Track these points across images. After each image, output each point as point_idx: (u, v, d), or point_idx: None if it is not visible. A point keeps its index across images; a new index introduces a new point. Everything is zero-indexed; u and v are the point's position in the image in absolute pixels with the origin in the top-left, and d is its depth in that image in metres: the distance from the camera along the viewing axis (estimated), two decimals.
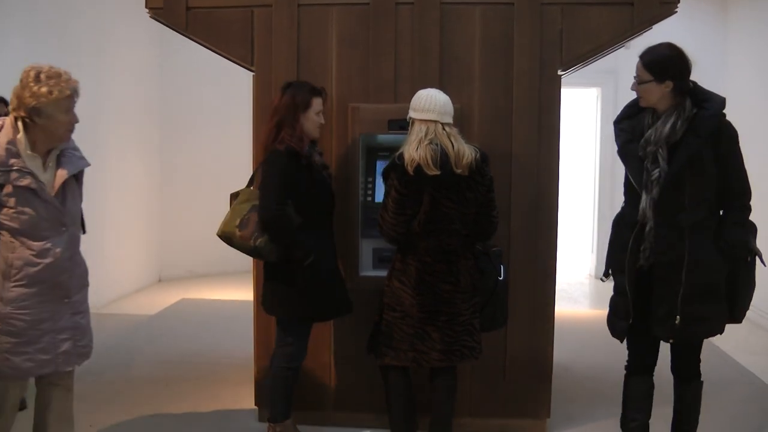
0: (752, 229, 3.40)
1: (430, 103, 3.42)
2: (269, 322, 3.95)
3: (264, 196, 3.55)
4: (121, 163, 8.19)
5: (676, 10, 3.99)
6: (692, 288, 3.23)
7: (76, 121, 3.06)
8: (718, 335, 3.49)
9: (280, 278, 3.69)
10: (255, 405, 4.34)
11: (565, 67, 4.02)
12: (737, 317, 3.41)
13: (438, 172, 3.32)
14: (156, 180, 8.98)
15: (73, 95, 3.03)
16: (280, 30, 4.10)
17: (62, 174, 3.07)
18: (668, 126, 3.20)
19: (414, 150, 3.35)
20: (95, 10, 7.58)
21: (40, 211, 2.98)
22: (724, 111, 3.26)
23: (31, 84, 2.93)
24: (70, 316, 3.15)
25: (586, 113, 9.84)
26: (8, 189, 2.91)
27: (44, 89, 2.93)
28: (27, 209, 2.95)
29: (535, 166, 4.04)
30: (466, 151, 3.39)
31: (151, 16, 4.26)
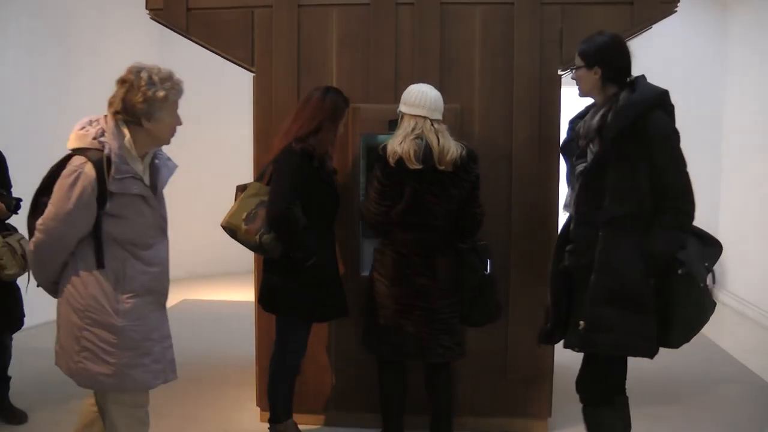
0: (682, 241, 2.93)
1: (421, 98, 3.46)
2: (270, 322, 3.95)
3: (275, 194, 3.54)
4: None
5: (676, 9, 3.99)
6: (600, 291, 2.94)
7: (180, 123, 2.90)
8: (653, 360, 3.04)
9: (280, 276, 3.70)
10: (257, 405, 4.34)
11: (565, 67, 4.02)
12: (671, 341, 2.98)
13: (419, 167, 3.38)
14: None
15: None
16: (281, 31, 4.10)
17: (164, 178, 2.96)
18: (597, 118, 3.01)
19: (398, 143, 3.41)
20: (96, 11, 7.59)
21: (147, 218, 2.84)
22: (658, 106, 2.94)
23: (144, 87, 2.74)
24: (168, 323, 3.06)
25: None
26: (122, 197, 2.73)
27: (161, 93, 2.76)
28: (137, 217, 2.80)
29: (535, 165, 4.04)
30: (451, 148, 3.42)
31: (151, 17, 4.27)
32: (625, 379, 3.16)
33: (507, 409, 4.17)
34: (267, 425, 3.94)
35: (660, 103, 2.95)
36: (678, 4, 3.99)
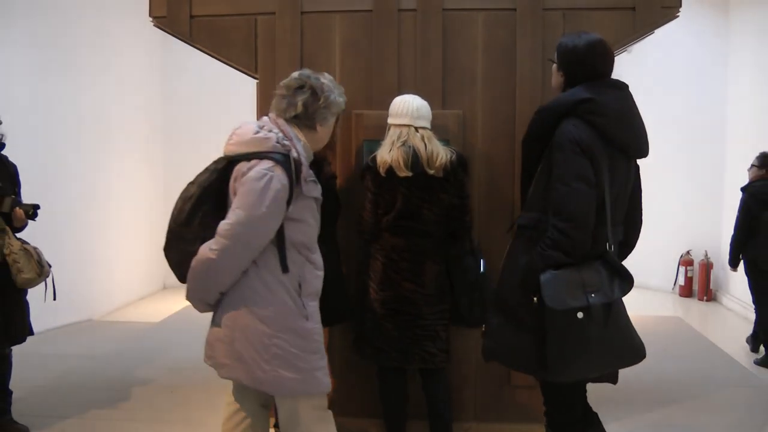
0: (550, 260, 2.65)
1: (403, 107, 3.52)
2: None
3: None
4: (126, 173, 8.23)
5: (678, 14, 4.00)
6: (492, 297, 2.91)
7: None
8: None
9: None
10: None
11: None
12: (549, 368, 2.71)
13: (409, 174, 3.42)
14: (160, 188, 9.00)
15: None
16: (283, 37, 4.11)
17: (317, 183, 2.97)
18: None
19: (387, 152, 3.45)
20: (98, 18, 7.62)
21: (317, 222, 2.91)
22: (571, 114, 2.72)
23: (326, 93, 2.85)
24: None
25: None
26: (303, 200, 2.77)
27: (341, 99, 2.93)
28: (312, 221, 2.85)
29: None
30: (440, 153, 3.46)
31: (155, 25, 4.28)
32: (571, 413, 3.01)
33: (511, 414, 4.16)
34: (273, 429, 3.94)
35: (572, 111, 2.72)
36: (680, 10, 4.00)
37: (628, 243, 3.02)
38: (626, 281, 2.72)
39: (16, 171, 4.34)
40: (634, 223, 3.00)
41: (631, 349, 2.82)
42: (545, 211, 2.71)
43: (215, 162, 2.80)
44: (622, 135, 2.71)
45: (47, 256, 4.30)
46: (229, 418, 3.02)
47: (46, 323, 5.57)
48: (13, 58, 6.34)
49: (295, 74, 2.91)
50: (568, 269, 2.63)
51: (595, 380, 2.94)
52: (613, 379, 2.98)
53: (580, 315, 2.60)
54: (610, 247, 2.72)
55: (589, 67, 2.83)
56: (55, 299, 4.29)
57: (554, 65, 2.94)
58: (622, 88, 2.83)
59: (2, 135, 4.23)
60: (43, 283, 4.21)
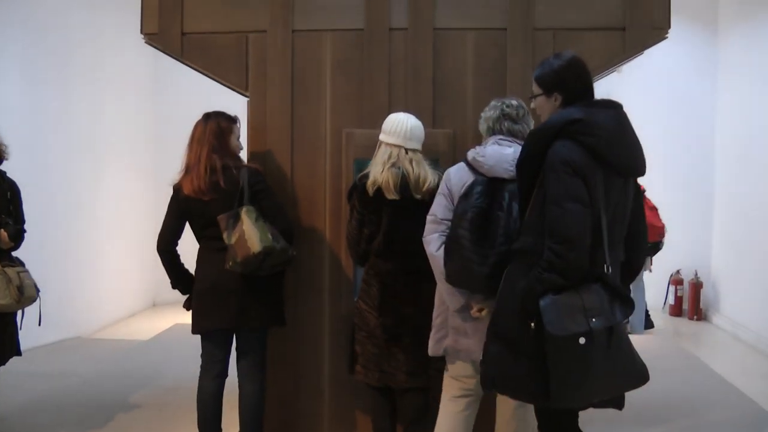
0: (547, 284, 2.58)
1: (397, 127, 3.52)
2: (272, 340, 3.98)
3: (282, 209, 3.81)
4: (115, 188, 8.21)
5: (667, 35, 4.03)
6: (489, 324, 2.84)
7: None
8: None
9: (275, 288, 3.81)
10: None
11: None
12: (552, 395, 2.61)
13: (397, 197, 3.43)
14: (151, 204, 8.96)
15: None
16: (275, 55, 4.12)
17: None
18: None
19: (379, 173, 3.45)
20: (91, 35, 7.63)
21: None
22: (561, 134, 2.67)
23: None
24: None
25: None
26: None
27: None
28: None
29: None
30: (428, 177, 3.47)
31: (146, 42, 4.28)
32: None
33: None
34: None
35: (562, 131, 2.66)
36: (669, 30, 4.03)
37: (631, 264, 2.95)
38: (627, 304, 2.66)
39: (14, 189, 4.32)
40: (636, 244, 2.94)
41: (634, 372, 2.78)
42: (541, 234, 2.67)
43: None
44: (614, 154, 2.69)
45: (34, 271, 4.27)
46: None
47: (33, 341, 5.52)
48: (3, 71, 6.33)
49: None
50: (568, 293, 2.57)
51: (598, 405, 2.89)
52: (619, 405, 2.92)
53: (582, 340, 2.53)
54: (608, 269, 2.69)
55: (586, 79, 2.83)
56: (39, 324, 4.27)
57: (540, 98, 2.89)
58: (614, 107, 2.80)
59: (5, 147, 4.21)
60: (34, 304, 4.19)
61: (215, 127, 3.70)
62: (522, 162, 2.78)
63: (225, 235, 3.55)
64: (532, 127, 3.33)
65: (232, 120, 3.81)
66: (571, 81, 2.81)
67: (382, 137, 3.57)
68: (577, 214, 2.57)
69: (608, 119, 2.71)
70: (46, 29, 6.87)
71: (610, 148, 2.66)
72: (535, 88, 2.90)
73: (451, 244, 3.12)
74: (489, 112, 3.34)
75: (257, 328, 3.81)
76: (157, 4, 4.19)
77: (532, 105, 2.96)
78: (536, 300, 2.57)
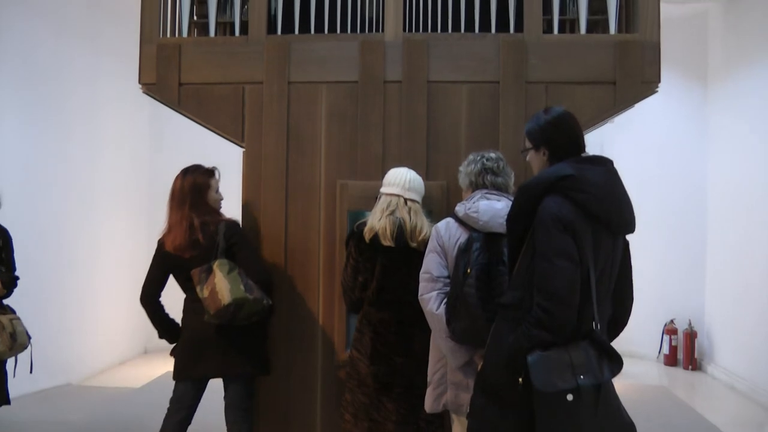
0: (535, 340, 2.55)
1: (396, 178, 3.59)
2: (268, 389, 4.01)
3: (259, 260, 3.87)
4: (108, 234, 8.20)
5: (657, 89, 4.10)
6: (477, 377, 2.84)
7: None
8: None
9: (256, 337, 3.83)
10: None
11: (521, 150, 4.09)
12: None
13: (392, 244, 3.47)
14: (143, 250, 8.94)
15: None
16: (270, 106, 4.17)
17: None
18: None
19: (377, 220, 3.51)
20: (89, 84, 7.70)
21: None
22: (551, 190, 2.66)
23: None
24: None
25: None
26: None
27: None
28: None
29: None
30: (424, 227, 3.51)
31: (144, 92, 4.33)
32: None
33: None
34: None
35: (552, 187, 2.66)
36: (659, 84, 4.10)
37: (618, 320, 2.95)
38: (615, 362, 2.64)
39: (6, 236, 4.33)
40: (624, 300, 2.93)
41: (622, 429, 2.77)
42: (529, 289, 2.66)
43: None
44: (605, 211, 2.69)
45: (25, 317, 4.25)
46: None
47: (23, 388, 5.46)
48: (4, 126, 6.37)
49: None
50: (556, 349, 2.56)
51: None
52: None
53: (569, 397, 2.51)
54: (596, 326, 2.68)
55: (574, 134, 2.83)
56: (31, 372, 4.24)
57: (530, 151, 2.91)
58: (605, 163, 2.81)
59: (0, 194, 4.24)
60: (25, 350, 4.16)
61: (192, 184, 3.79)
62: (512, 217, 2.78)
63: (198, 289, 3.62)
64: (512, 178, 3.43)
65: (209, 173, 3.88)
66: (557, 136, 2.83)
67: (382, 189, 3.63)
68: (567, 271, 2.57)
69: (599, 176, 2.72)
70: (45, 76, 6.93)
71: (601, 205, 2.67)
72: (526, 142, 2.93)
73: (456, 303, 3.13)
74: (470, 167, 3.38)
75: (239, 375, 3.81)
76: (155, 55, 4.26)
77: (527, 158, 2.97)
78: (524, 356, 2.55)
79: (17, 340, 4.15)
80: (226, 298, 3.52)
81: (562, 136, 2.83)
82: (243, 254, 3.73)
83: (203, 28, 4.45)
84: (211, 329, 3.70)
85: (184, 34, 4.35)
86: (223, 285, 3.54)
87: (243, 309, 3.57)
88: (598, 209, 2.66)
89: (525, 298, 2.67)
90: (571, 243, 2.59)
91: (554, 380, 2.50)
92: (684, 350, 8.70)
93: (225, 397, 3.87)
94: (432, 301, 3.24)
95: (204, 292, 3.58)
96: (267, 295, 3.68)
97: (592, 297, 2.64)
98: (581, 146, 2.86)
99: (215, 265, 3.62)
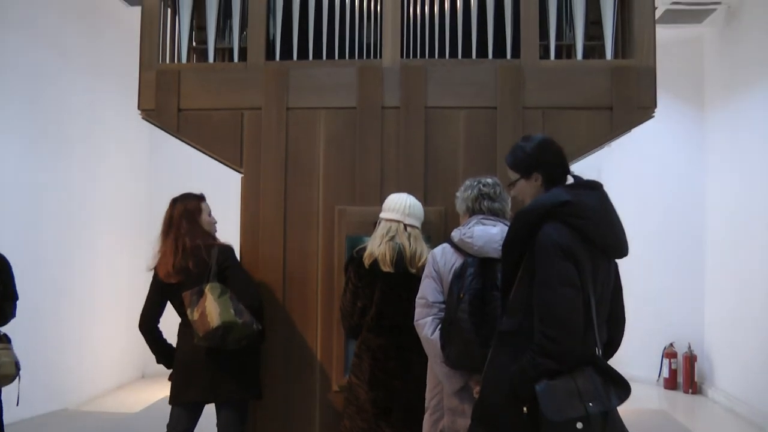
0: (542, 368, 2.52)
1: (396, 203, 3.60)
2: (265, 418, 3.98)
3: (251, 285, 3.84)
4: (107, 259, 8.19)
5: (653, 114, 4.12)
6: (475, 407, 2.78)
7: None
8: None
9: (247, 362, 3.81)
10: None
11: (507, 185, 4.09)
12: None
13: (392, 270, 3.47)
14: (141, 274, 8.92)
15: None
16: (269, 132, 4.19)
17: None
18: None
19: (376, 246, 3.51)
20: (88, 109, 7.73)
21: None
22: (549, 216, 2.64)
23: None
24: None
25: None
26: None
27: None
28: None
29: None
30: (424, 253, 3.51)
31: (143, 117, 4.35)
32: None
33: None
34: None
35: (550, 213, 2.64)
36: (655, 110, 4.12)
37: (612, 342, 2.96)
38: (622, 388, 2.63)
39: (3, 262, 4.32)
40: (617, 322, 2.93)
41: None
42: (528, 315, 2.64)
43: None
44: (601, 236, 2.69)
45: (22, 341, 4.23)
46: None
47: (18, 413, 5.40)
48: (4, 151, 6.38)
49: None
50: (563, 378, 2.54)
51: None
52: None
53: (579, 425, 2.48)
54: (599, 351, 2.66)
55: (561, 156, 2.84)
56: (17, 404, 4.23)
57: (519, 182, 2.87)
58: (597, 188, 2.81)
59: None
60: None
61: (182, 210, 3.84)
62: (508, 243, 2.76)
63: (188, 312, 3.65)
64: (509, 203, 3.41)
65: (199, 198, 3.93)
66: (550, 159, 2.83)
67: (382, 215, 3.63)
68: (569, 298, 2.56)
69: (595, 201, 2.73)
70: (46, 102, 6.96)
71: (597, 230, 2.68)
72: (512, 174, 2.89)
73: (450, 328, 3.13)
74: (466, 192, 3.38)
75: (230, 400, 3.80)
76: (155, 81, 4.28)
77: (513, 192, 2.94)
78: (530, 385, 2.53)
79: (0, 371, 4.10)
80: (215, 320, 3.55)
81: (554, 159, 2.84)
82: (235, 279, 3.74)
83: (202, 54, 4.49)
84: (201, 353, 3.71)
85: (184, 60, 4.38)
86: (212, 308, 3.57)
87: (232, 332, 3.58)
88: (595, 234, 2.67)
89: (524, 324, 2.65)
90: (572, 269, 2.59)
91: (563, 409, 2.48)
92: (684, 374, 8.67)
93: (217, 423, 3.86)
94: (427, 326, 3.24)
95: (194, 315, 3.61)
96: (257, 320, 3.69)
97: (593, 322, 2.64)
98: (568, 168, 2.86)
99: (207, 288, 3.64)
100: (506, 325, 2.74)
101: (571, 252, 2.60)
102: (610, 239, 2.73)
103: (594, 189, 2.81)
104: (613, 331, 2.92)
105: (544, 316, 2.56)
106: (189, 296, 3.66)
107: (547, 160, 2.83)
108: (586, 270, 2.64)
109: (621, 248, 2.82)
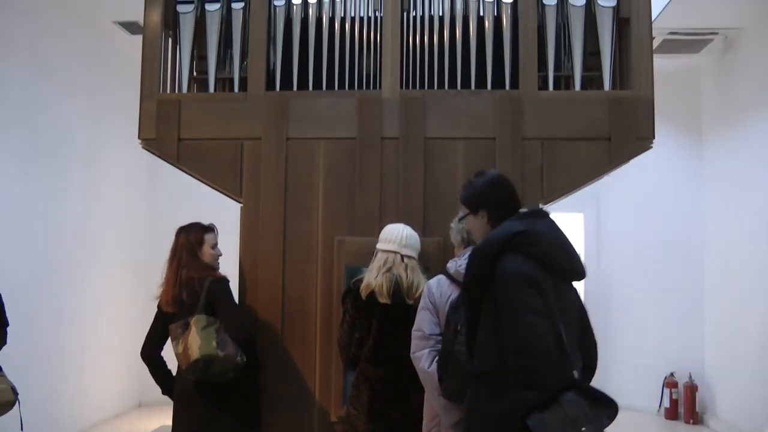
0: (526, 402, 2.49)
1: (393, 234, 3.59)
2: None
3: (239, 316, 3.79)
4: (104, 287, 8.17)
5: (651, 145, 4.13)
6: None
7: None
8: None
9: (242, 393, 3.78)
10: None
11: (547, 200, 4.11)
12: None
13: (389, 302, 3.46)
14: (139, 303, 8.89)
15: None
16: (269, 162, 4.20)
17: None
18: None
19: (373, 277, 3.50)
20: (88, 137, 7.75)
21: None
22: (507, 248, 2.64)
23: None
24: None
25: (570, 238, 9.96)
26: None
27: None
28: None
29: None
30: (421, 284, 3.49)
31: (143, 147, 4.36)
32: None
33: None
34: None
35: (506, 245, 2.64)
36: (653, 141, 4.13)
37: (589, 366, 2.96)
38: (610, 407, 2.60)
39: None
40: (590, 345, 2.92)
41: None
42: (500, 352, 2.61)
43: None
44: (557, 261, 2.71)
45: (16, 370, 4.20)
46: None
47: None
48: (3, 175, 6.38)
49: None
50: (552, 408, 2.51)
51: None
52: None
53: None
54: (576, 374, 2.66)
55: (509, 193, 2.88)
56: (22, 430, 4.18)
57: (468, 217, 2.93)
58: (546, 216, 2.84)
59: None
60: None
61: (185, 242, 3.84)
62: (470, 282, 2.74)
63: (174, 345, 3.67)
64: None
65: (206, 230, 3.90)
66: (495, 197, 2.87)
67: (378, 246, 3.62)
68: (539, 326, 2.54)
69: (547, 228, 2.75)
70: (45, 131, 6.98)
71: (554, 255, 2.69)
72: (463, 209, 2.95)
73: (447, 360, 3.10)
74: (461, 223, 3.38)
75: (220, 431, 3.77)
76: (155, 110, 4.30)
77: (462, 226, 3.01)
78: (520, 422, 2.50)
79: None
80: (195, 353, 3.56)
81: (501, 196, 2.87)
82: (223, 310, 3.72)
83: (203, 84, 4.51)
84: (191, 385, 3.71)
85: (184, 89, 4.40)
86: (194, 341, 3.58)
87: (212, 365, 3.58)
88: (553, 260, 2.68)
89: (499, 363, 2.61)
90: (537, 297, 2.58)
91: None
92: (685, 404, 8.60)
93: None
94: (424, 358, 3.23)
95: (179, 348, 3.64)
96: (244, 352, 3.65)
97: (565, 346, 2.62)
98: (518, 204, 2.89)
99: (192, 321, 3.65)
100: (482, 366, 2.69)
101: (534, 280, 2.60)
102: (566, 264, 2.75)
103: (543, 216, 2.85)
104: (586, 358, 2.91)
105: (517, 349, 2.53)
106: (174, 329, 3.69)
107: (495, 198, 2.87)
108: (550, 296, 2.63)
109: (578, 271, 2.83)
